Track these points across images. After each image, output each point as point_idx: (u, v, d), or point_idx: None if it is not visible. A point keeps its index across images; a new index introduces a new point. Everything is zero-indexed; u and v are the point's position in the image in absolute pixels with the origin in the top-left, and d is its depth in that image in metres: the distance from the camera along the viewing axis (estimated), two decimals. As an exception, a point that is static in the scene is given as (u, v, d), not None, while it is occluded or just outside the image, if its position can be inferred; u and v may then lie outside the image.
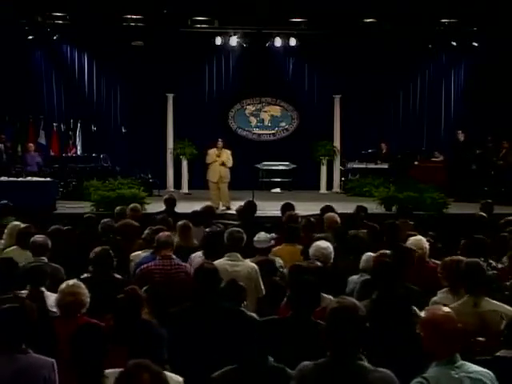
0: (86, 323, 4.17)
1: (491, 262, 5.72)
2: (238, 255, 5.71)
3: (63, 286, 4.59)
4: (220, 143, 13.70)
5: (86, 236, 7.26)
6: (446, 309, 3.27)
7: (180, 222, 7.20)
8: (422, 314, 3.27)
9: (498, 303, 4.39)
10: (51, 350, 3.98)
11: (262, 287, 5.53)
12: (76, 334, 4.01)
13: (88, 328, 4.03)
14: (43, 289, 4.93)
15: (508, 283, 5.25)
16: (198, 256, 6.16)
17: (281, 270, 6.16)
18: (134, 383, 2.48)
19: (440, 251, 6.31)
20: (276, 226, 8.13)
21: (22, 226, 6.91)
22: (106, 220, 7.66)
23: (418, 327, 3.22)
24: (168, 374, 3.33)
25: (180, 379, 3.52)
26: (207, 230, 7.16)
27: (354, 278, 5.60)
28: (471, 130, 16.11)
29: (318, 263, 5.50)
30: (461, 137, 15.71)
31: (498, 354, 3.62)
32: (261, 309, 5.23)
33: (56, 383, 3.46)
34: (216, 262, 5.40)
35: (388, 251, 5.46)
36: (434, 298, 4.77)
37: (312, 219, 8.04)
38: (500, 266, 5.78)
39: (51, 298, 4.86)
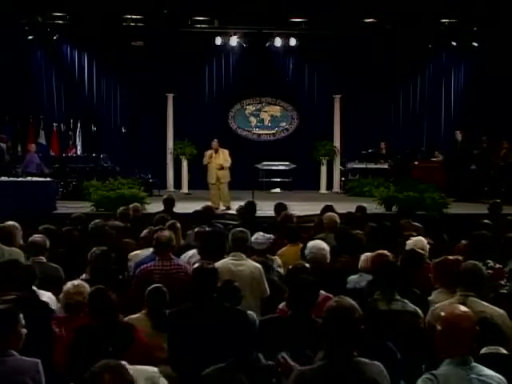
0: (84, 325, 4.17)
1: (489, 261, 5.72)
2: (243, 255, 5.69)
3: (68, 286, 4.60)
4: (214, 144, 13.47)
5: (84, 236, 7.23)
6: (465, 308, 3.24)
7: (168, 222, 7.18)
8: (428, 315, 3.23)
9: (485, 304, 4.40)
10: (48, 350, 3.98)
11: (267, 287, 5.53)
12: (76, 335, 4.02)
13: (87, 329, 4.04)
14: (34, 288, 4.91)
15: (502, 282, 5.25)
16: (195, 255, 6.15)
17: (279, 270, 6.16)
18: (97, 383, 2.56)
19: (442, 252, 6.28)
20: (272, 226, 8.10)
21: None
22: (96, 221, 7.57)
23: (436, 323, 3.18)
24: (139, 367, 3.36)
25: (155, 369, 3.55)
26: (201, 228, 7.08)
27: (354, 277, 5.59)
28: (471, 130, 16.10)
29: (307, 264, 5.47)
30: (459, 137, 15.70)
31: (482, 352, 3.61)
32: (265, 309, 5.23)
33: (43, 382, 3.46)
34: (220, 262, 5.40)
35: (386, 251, 5.46)
36: (430, 298, 4.78)
37: (322, 219, 8.02)
38: (497, 266, 5.78)
39: (44, 296, 4.86)
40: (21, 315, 3.55)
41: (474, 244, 6.19)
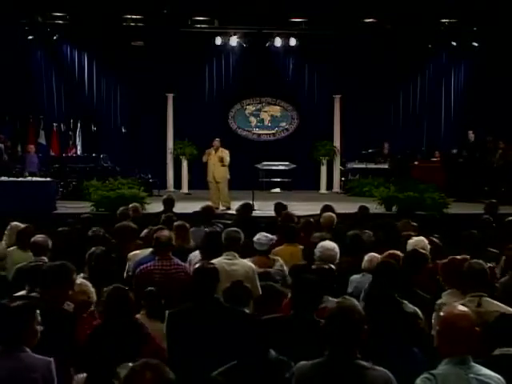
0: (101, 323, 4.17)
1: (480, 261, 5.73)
2: (236, 254, 5.70)
3: None
4: (216, 143, 13.45)
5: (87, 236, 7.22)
6: (464, 308, 3.25)
7: (176, 223, 7.18)
8: (434, 315, 3.23)
9: (499, 304, 4.39)
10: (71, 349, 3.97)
11: (259, 287, 5.52)
12: (93, 332, 4.02)
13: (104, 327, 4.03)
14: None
15: (498, 282, 5.26)
16: (197, 256, 6.16)
17: (281, 269, 6.16)
18: (138, 381, 2.55)
19: (444, 252, 6.28)
20: (271, 225, 8.10)
21: (22, 226, 6.86)
22: (95, 229, 7.52)
23: (434, 324, 3.19)
24: None
25: None
26: (206, 229, 7.12)
27: (356, 277, 5.59)
28: (471, 129, 16.10)
29: (332, 265, 5.45)
30: (471, 137, 15.66)
31: (494, 353, 3.60)
32: (257, 309, 5.22)
33: (54, 382, 3.44)
34: (214, 261, 5.40)
35: (398, 252, 5.44)
36: (440, 301, 4.70)
37: (311, 219, 8.04)
38: (488, 265, 5.78)
39: None
40: (37, 312, 3.51)
41: (463, 244, 6.18)
